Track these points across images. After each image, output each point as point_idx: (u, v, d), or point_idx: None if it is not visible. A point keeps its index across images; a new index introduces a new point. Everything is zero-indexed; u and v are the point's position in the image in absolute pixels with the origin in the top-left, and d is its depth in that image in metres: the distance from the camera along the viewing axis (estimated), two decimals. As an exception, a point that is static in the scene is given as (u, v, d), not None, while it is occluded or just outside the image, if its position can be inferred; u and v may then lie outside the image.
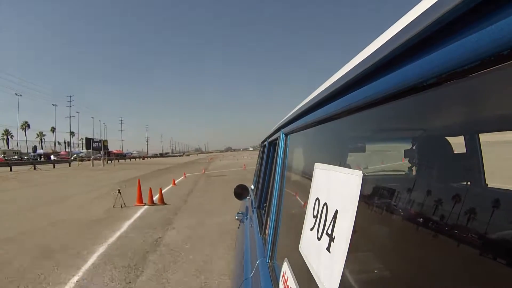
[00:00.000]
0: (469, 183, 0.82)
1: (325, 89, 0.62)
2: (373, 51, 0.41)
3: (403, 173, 0.87)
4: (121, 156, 65.16)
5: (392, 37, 0.36)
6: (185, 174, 15.91)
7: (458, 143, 0.88)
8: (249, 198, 2.59)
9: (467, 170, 0.89)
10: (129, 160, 60.46)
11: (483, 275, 0.32)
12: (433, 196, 0.44)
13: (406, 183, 0.83)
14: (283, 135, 1.13)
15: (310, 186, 0.67)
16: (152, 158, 76.00)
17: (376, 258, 0.49)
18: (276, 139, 1.37)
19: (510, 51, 0.21)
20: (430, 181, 0.55)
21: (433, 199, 0.42)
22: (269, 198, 1.25)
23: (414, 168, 0.81)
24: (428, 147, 0.68)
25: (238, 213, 2.34)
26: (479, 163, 0.95)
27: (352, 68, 0.48)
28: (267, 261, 1.03)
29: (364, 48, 0.45)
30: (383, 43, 0.38)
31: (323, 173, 0.60)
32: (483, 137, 0.93)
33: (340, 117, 0.57)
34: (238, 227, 2.34)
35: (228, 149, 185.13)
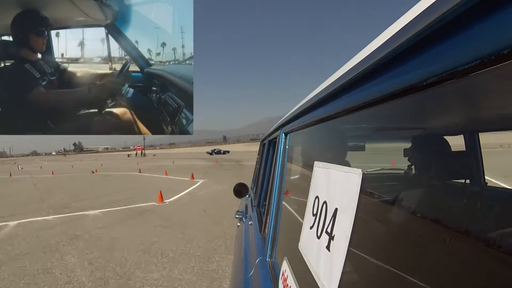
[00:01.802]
0: (468, 181, 0.82)
1: (325, 88, 0.62)
2: (373, 50, 0.41)
3: (403, 171, 0.87)
4: None
5: (392, 36, 0.36)
6: None
7: (457, 143, 0.89)
8: (248, 197, 2.60)
9: (467, 169, 0.89)
10: None
11: (482, 274, 0.32)
12: (433, 195, 0.44)
13: (405, 181, 0.83)
14: (283, 134, 1.13)
15: (309, 185, 0.67)
16: None
17: (376, 257, 0.49)
18: (275, 138, 1.37)
19: (510, 50, 0.21)
20: (429, 179, 0.56)
21: (433, 197, 0.42)
22: (269, 197, 1.25)
23: (413, 167, 0.81)
24: (428, 146, 0.68)
25: (237, 211, 2.35)
26: (478, 162, 0.95)
27: (352, 67, 0.48)
28: (267, 259, 1.03)
29: (364, 47, 0.45)
30: (383, 42, 0.38)
31: (323, 172, 0.60)
32: (483, 137, 0.93)
33: (339, 116, 0.57)
34: (238, 226, 2.34)
35: (33, 153, 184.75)
